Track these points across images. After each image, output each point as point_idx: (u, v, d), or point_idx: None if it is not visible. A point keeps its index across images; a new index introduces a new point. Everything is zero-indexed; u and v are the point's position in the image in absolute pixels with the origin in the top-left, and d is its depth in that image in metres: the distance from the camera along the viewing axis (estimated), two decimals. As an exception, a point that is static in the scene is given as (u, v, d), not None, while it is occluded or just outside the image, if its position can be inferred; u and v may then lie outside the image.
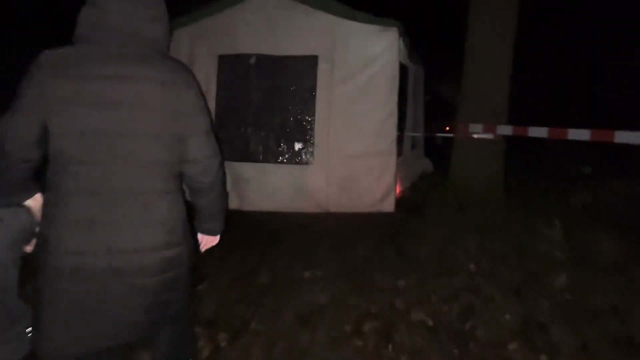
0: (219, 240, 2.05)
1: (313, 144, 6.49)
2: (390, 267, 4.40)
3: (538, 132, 5.30)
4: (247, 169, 6.64)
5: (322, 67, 6.39)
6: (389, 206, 6.50)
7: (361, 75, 6.35)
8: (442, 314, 3.46)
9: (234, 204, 6.68)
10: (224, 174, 1.91)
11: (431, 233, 5.24)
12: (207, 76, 6.67)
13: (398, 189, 6.73)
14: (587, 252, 4.24)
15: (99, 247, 1.48)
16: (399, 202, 6.63)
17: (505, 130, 5.66)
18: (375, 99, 6.37)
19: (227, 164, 6.71)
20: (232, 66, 6.65)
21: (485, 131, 5.72)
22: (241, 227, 5.79)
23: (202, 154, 1.72)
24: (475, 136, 5.87)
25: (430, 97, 9.99)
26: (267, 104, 6.62)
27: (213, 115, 6.65)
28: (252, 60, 6.58)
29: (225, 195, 1.96)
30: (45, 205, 1.55)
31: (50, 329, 1.49)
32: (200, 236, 2.02)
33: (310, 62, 6.42)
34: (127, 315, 1.56)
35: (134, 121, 1.52)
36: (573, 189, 6.15)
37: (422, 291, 3.87)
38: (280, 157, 6.60)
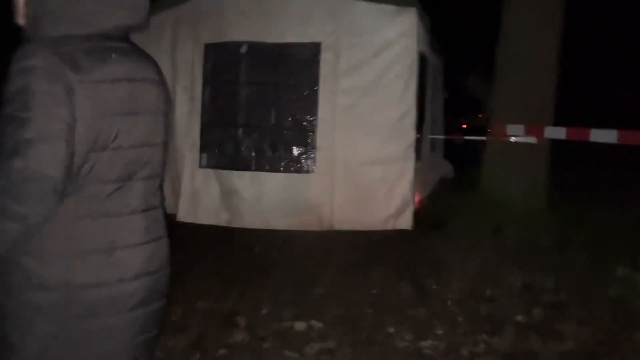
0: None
1: (315, 148, 5.43)
2: (410, 314, 3.33)
3: (603, 135, 4.15)
4: (237, 179, 5.60)
5: (325, 57, 5.32)
6: (405, 222, 5.42)
7: (372, 66, 5.28)
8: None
9: (222, 219, 5.66)
10: None
11: (460, 262, 4.16)
12: (192, 68, 5.67)
13: (416, 200, 5.64)
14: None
15: (125, 275, 1.28)
16: (417, 216, 5.54)
17: (556, 133, 4.53)
18: (389, 94, 5.29)
19: (214, 172, 5.35)
20: (220, 56, 5.63)
21: (527, 133, 4.61)
22: (225, 250, 4.76)
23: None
24: (514, 139, 4.76)
25: (449, 92, 8.83)
26: (261, 101, 5.58)
27: (198, 114, 5.65)
28: (244, 49, 5.54)
29: None
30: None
31: None
32: None
33: (311, 51, 5.37)
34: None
35: (153, 130, 1.33)
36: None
37: (457, 358, 2.79)
38: (277, 165, 5.55)
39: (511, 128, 4.74)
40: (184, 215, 5.76)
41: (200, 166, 5.74)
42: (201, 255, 4.58)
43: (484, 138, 5.10)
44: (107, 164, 1.24)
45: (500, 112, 5.00)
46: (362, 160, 5.36)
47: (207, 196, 5.73)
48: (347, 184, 5.39)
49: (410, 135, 5.35)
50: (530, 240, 4.27)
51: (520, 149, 4.80)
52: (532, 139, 4.59)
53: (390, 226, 5.38)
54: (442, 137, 5.34)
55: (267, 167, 5.56)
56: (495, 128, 5.00)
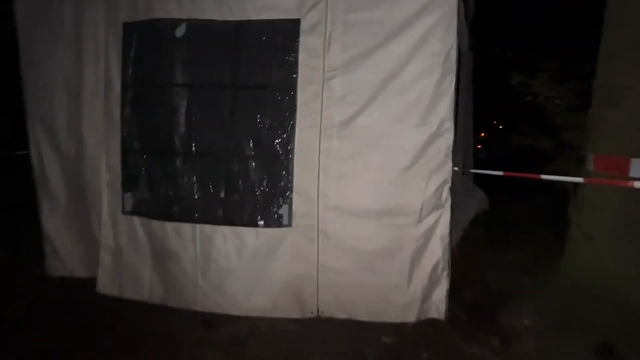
0: None
1: (290, 189, 3.41)
2: None
3: None
4: (174, 235, 3.62)
5: (307, 42, 3.33)
6: (435, 309, 3.38)
7: (383, 58, 3.26)
8: None
9: (156, 295, 3.69)
10: None
11: None
12: (107, 61, 3.70)
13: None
14: None
15: None
16: (452, 290, 3.47)
17: None
18: (411, 102, 3.27)
19: (142, 222, 3.67)
20: (146, 42, 3.64)
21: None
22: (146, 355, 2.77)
23: None
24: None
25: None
26: (209, 114, 3.57)
27: (118, 132, 3.71)
28: (180, 32, 3.54)
29: None
30: None
31: None
32: None
33: (284, 34, 3.36)
34: None
35: None
36: None
37: None
38: (232, 213, 3.54)
39: (640, 165, 2.65)
40: (104, 285, 3.85)
41: (124, 212, 3.77)
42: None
43: (579, 179, 3.03)
44: None
45: (611, 138, 2.93)
46: (366, 208, 3.35)
47: (135, 258, 3.76)
48: (342, 245, 3.38)
49: (445, 168, 3.30)
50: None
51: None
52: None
53: (411, 317, 3.34)
54: (497, 173, 3.31)
55: (219, 218, 3.55)
56: (602, 163, 2.93)
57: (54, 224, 4.03)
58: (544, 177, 2.89)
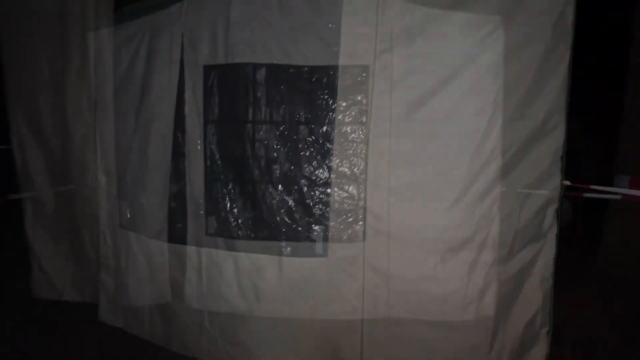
0: None
1: (327, 205, 2.49)
2: None
3: None
4: (175, 260, 2.80)
5: (354, 1, 2.36)
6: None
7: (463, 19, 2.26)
8: None
9: (157, 335, 2.95)
10: None
11: None
12: (96, 28, 2.89)
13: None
14: None
15: None
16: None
17: None
18: (500, 86, 2.26)
19: (140, 241, 2.95)
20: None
21: None
22: None
23: None
24: None
25: None
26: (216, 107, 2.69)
27: (110, 122, 2.92)
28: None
29: None
30: None
31: None
32: None
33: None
34: None
35: None
36: None
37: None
38: (247, 237, 2.65)
39: None
40: (106, 314, 3.14)
41: (121, 225, 2.98)
42: None
43: None
44: None
45: None
46: (432, 236, 2.40)
47: (134, 284, 3.00)
48: (397, 286, 2.44)
49: (551, 181, 2.29)
50: None
51: None
52: None
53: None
54: (635, 192, 2.31)
55: (230, 241, 2.66)
56: None
57: (40, 234, 3.32)
58: None
